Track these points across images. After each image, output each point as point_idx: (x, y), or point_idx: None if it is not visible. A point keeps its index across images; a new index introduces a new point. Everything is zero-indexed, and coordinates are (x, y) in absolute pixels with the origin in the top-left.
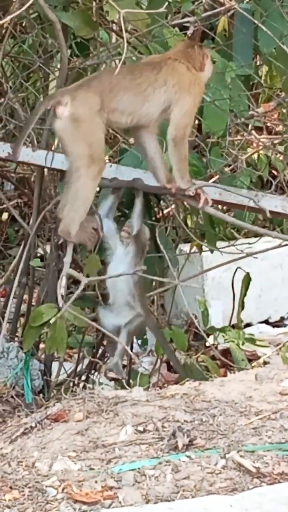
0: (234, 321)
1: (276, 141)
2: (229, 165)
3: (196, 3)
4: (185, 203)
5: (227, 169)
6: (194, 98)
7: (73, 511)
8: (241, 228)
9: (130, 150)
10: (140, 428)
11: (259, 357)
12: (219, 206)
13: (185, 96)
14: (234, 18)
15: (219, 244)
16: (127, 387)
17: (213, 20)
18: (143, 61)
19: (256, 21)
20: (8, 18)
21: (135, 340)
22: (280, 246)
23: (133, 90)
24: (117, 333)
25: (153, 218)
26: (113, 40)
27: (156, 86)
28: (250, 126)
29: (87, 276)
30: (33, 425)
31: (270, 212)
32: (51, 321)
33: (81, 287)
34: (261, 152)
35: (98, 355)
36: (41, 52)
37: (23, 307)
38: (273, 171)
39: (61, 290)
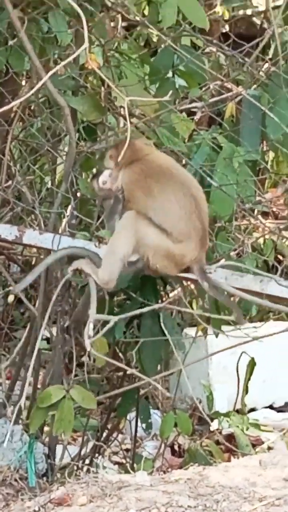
0: (238, 406)
1: (282, 226)
2: (235, 249)
3: (203, 88)
4: (192, 286)
5: (233, 253)
6: None
7: None
8: (247, 312)
9: None
10: None
11: (263, 443)
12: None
13: None
14: (241, 104)
15: (225, 328)
16: (131, 471)
17: (220, 106)
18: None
19: (263, 108)
20: (17, 102)
21: (139, 424)
22: (286, 330)
23: None
24: None
25: (159, 301)
26: (121, 124)
27: None
28: (256, 211)
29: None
30: (36, 508)
31: (276, 297)
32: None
33: (111, 324)
34: (267, 237)
35: (102, 439)
36: (49, 136)
37: (28, 389)
38: (279, 256)
39: (90, 332)
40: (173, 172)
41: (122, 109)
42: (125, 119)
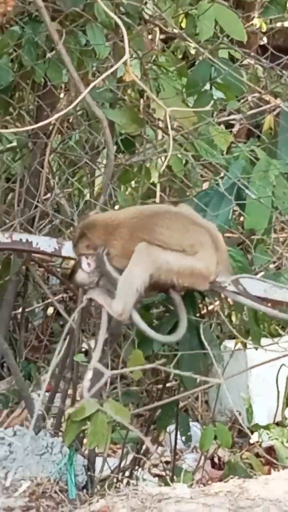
0: (278, 418)
1: None
2: (274, 262)
3: (241, 101)
4: (229, 300)
5: (271, 266)
6: None
7: None
8: (286, 325)
9: None
10: None
11: None
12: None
13: None
14: (280, 117)
15: (264, 341)
16: (171, 483)
17: (259, 118)
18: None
19: None
20: (56, 116)
21: (179, 436)
22: None
23: None
24: None
25: (198, 314)
26: (159, 137)
27: None
28: None
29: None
30: None
31: None
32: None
33: (103, 380)
34: None
35: (142, 451)
36: (87, 148)
37: (68, 401)
38: None
39: (86, 384)
40: (145, 214)
41: (160, 121)
42: (163, 131)
